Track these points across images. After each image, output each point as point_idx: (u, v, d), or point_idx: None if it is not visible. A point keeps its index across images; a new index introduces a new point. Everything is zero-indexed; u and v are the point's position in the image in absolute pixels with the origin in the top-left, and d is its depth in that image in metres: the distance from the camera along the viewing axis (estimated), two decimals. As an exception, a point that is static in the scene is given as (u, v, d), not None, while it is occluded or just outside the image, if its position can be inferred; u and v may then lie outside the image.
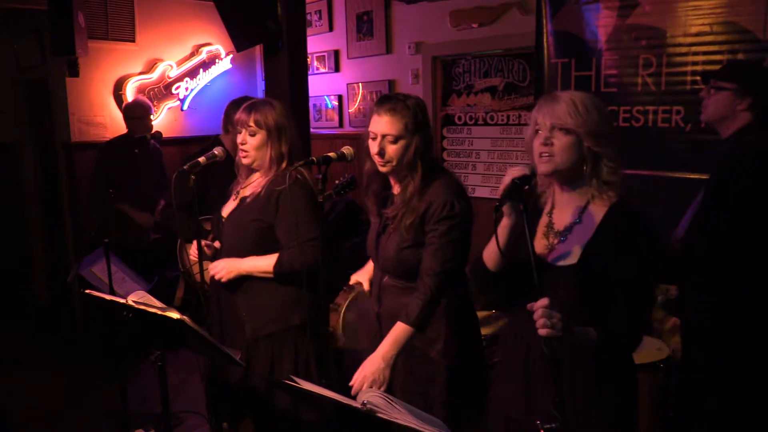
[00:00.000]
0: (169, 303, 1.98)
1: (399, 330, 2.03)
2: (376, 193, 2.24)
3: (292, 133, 2.48)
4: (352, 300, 2.33)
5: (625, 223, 1.59)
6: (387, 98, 2.13)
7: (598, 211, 1.64)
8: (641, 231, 1.60)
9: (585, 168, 1.62)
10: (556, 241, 1.68)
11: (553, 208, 1.74)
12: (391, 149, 2.07)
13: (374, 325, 2.28)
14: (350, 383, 2.01)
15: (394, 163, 2.09)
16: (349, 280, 2.50)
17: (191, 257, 2.55)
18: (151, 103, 4.83)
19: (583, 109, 1.59)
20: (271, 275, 2.39)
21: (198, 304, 2.52)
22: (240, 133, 2.45)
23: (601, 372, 1.64)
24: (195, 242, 2.49)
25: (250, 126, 2.42)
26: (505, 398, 1.79)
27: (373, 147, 2.09)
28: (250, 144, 2.43)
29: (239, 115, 2.46)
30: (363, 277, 2.44)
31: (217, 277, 2.42)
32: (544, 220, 1.74)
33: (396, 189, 2.19)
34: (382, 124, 2.08)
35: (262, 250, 2.41)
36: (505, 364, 1.86)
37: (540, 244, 1.70)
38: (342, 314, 2.29)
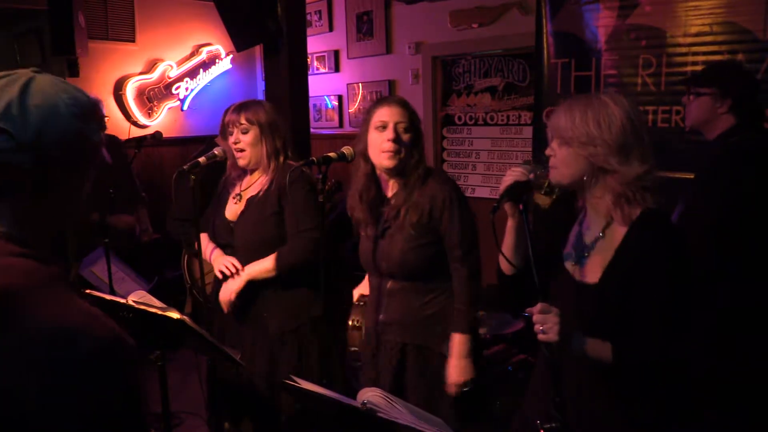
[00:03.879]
0: (170, 305, 1.98)
1: (458, 341, 2.07)
2: (369, 201, 2.19)
3: (284, 128, 2.50)
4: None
5: (644, 242, 1.45)
6: (388, 96, 2.17)
7: (620, 228, 1.50)
8: (661, 249, 1.44)
9: (586, 181, 1.50)
10: (583, 255, 1.57)
11: (584, 217, 1.62)
12: (405, 137, 2.08)
13: (370, 335, 2.26)
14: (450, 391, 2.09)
15: (403, 155, 2.07)
16: (345, 286, 2.52)
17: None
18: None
19: (580, 119, 1.46)
20: (274, 273, 2.40)
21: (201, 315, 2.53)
22: (232, 134, 2.46)
23: (614, 386, 1.52)
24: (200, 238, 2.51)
25: (242, 124, 2.43)
26: (531, 391, 1.79)
27: (388, 134, 2.05)
28: (243, 142, 2.43)
29: (229, 116, 2.46)
30: (366, 290, 2.42)
31: (226, 300, 2.43)
32: (575, 229, 1.63)
33: (391, 190, 2.17)
34: (394, 113, 2.08)
35: (282, 242, 2.43)
36: (536, 362, 1.86)
37: (570, 256, 1.61)
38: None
